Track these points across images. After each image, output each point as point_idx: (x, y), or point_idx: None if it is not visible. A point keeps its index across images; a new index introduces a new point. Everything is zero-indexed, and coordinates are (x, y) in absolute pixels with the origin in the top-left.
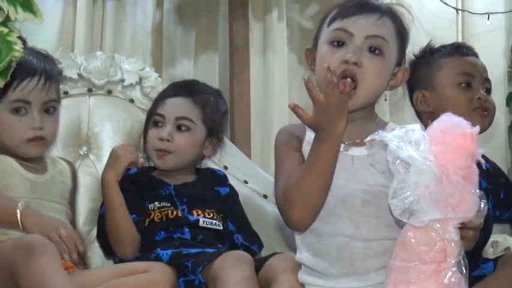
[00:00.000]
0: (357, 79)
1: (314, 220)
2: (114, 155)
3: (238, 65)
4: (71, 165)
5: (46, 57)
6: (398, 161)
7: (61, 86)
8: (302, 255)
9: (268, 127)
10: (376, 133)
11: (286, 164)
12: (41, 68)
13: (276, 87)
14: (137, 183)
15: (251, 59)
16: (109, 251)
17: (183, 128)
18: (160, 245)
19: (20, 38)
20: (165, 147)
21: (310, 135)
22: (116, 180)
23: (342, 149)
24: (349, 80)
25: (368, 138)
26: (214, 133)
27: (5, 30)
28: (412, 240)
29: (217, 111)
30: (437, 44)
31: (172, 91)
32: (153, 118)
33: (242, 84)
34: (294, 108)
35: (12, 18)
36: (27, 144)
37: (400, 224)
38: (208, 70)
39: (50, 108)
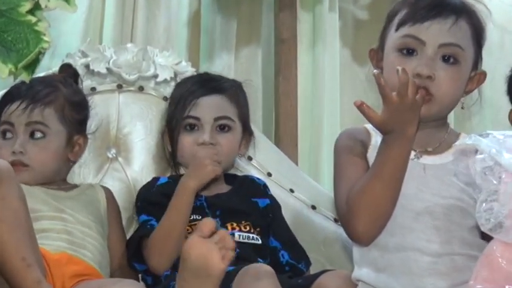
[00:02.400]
0: (431, 93)
1: (380, 232)
2: (200, 164)
3: (284, 60)
4: (107, 189)
5: (51, 84)
6: (489, 171)
7: (89, 82)
8: (362, 272)
9: (318, 129)
10: (469, 137)
11: (349, 170)
12: (27, 91)
13: (326, 85)
14: (168, 196)
15: (299, 53)
16: (135, 260)
17: (225, 129)
18: None
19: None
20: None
21: (376, 140)
22: (196, 191)
23: (412, 156)
24: (422, 91)
25: (457, 143)
26: (247, 129)
27: (33, 19)
28: (500, 260)
29: (247, 105)
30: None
31: (199, 89)
32: (184, 122)
33: (289, 82)
34: (361, 107)
35: (43, 6)
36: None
37: (475, 241)
38: (251, 65)
39: (36, 133)
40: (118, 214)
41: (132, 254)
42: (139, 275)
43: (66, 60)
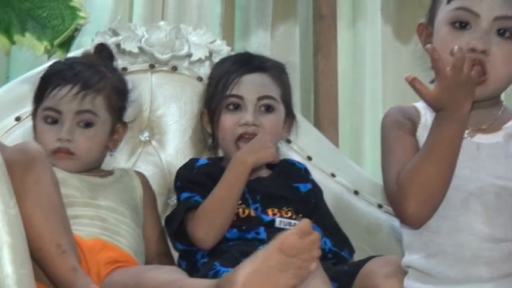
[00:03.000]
0: (486, 69)
1: (432, 214)
2: (264, 143)
3: (323, 38)
4: (142, 175)
5: (98, 69)
6: None
7: (120, 62)
8: (412, 257)
9: (359, 110)
10: None
11: (399, 150)
12: (77, 76)
13: (367, 63)
14: (211, 176)
15: (339, 30)
16: (179, 236)
17: (269, 109)
18: (227, 251)
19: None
20: (253, 132)
21: (426, 118)
22: (252, 167)
23: (465, 135)
24: (478, 67)
25: (508, 124)
26: (290, 112)
27: None
28: None
29: (290, 87)
30: None
31: (242, 67)
32: (226, 101)
33: (328, 61)
34: (413, 82)
35: None
36: (53, 157)
37: None
38: (288, 43)
39: (85, 121)
40: (154, 201)
41: (176, 230)
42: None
43: (96, 40)
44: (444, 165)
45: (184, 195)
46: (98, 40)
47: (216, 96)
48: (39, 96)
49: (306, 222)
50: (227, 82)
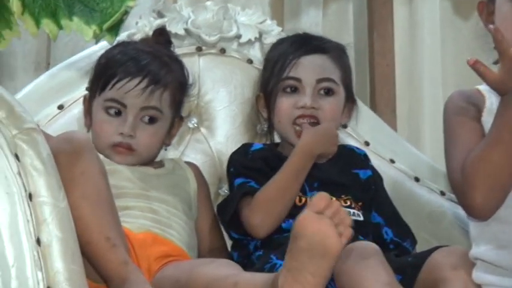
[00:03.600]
0: None
1: (501, 204)
2: (331, 136)
3: (378, 16)
4: (194, 167)
5: (164, 61)
6: None
7: None
8: (480, 249)
9: (417, 92)
10: None
11: (463, 136)
12: (144, 69)
13: (425, 41)
14: (267, 161)
15: (395, 7)
16: (233, 224)
17: (328, 93)
18: (282, 243)
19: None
20: (311, 115)
21: (492, 102)
22: (315, 157)
23: None
24: None
25: None
26: (350, 96)
27: None
28: None
29: (351, 70)
30: None
31: (300, 48)
32: (283, 84)
33: (384, 40)
34: (475, 65)
35: None
36: (111, 150)
37: None
38: (341, 22)
39: (149, 118)
40: (208, 195)
41: (231, 217)
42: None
43: (141, 22)
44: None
45: (239, 180)
46: (143, 23)
47: (272, 78)
48: (102, 85)
49: (321, 196)
50: (284, 64)
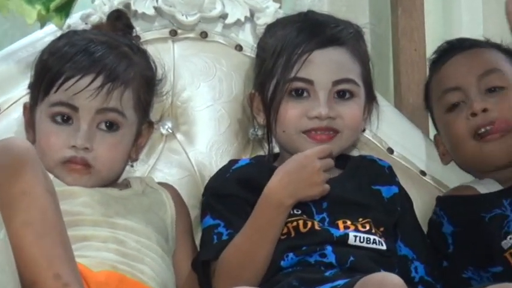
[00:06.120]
0: None
1: None
2: (311, 175)
3: None
4: (171, 189)
5: (123, 52)
6: None
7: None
8: None
9: None
10: None
11: None
12: (101, 64)
13: (463, 20)
14: (247, 184)
15: None
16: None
17: (346, 96)
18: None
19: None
20: (327, 127)
21: None
22: (288, 206)
23: None
24: None
25: None
26: (371, 93)
27: None
28: None
29: (369, 59)
30: None
31: (310, 38)
32: (290, 86)
33: (411, 17)
34: None
35: None
36: (62, 168)
37: None
38: None
39: (108, 123)
40: (189, 223)
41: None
42: None
43: (98, 0)
44: None
45: (207, 221)
46: (100, 1)
47: (274, 76)
48: (46, 86)
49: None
50: (290, 59)
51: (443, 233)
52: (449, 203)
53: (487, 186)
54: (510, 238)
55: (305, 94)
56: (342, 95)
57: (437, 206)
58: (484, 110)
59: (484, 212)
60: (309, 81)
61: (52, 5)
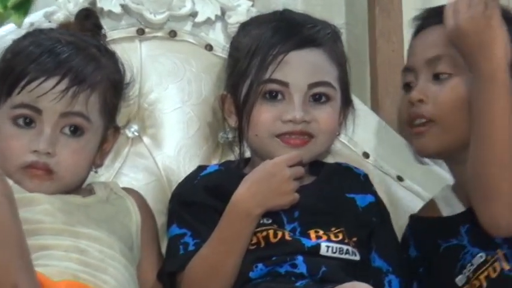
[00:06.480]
0: None
1: None
2: (280, 184)
3: None
4: (137, 195)
5: (91, 54)
6: None
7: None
8: None
9: None
10: None
11: None
12: (68, 66)
13: None
14: (215, 192)
15: None
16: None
17: (322, 99)
18: None
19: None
20: (302, 131)
21: None
22: (256, 217)
23: None
24: None
25: None
26: (347, 96)
27: None
28: None
29: (347, 61)
30: None
31: (286, 39)
32: (264, 88)
33: (390, 17)
34: None
35: None
36: (22, 173)
37: None
38: None
39: (73, 128)
40: (155, 232)
41: None
42: None
43: None
44: None
45: (173, 230)
46: None
47: (247, 77)
48: (8, 88)
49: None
50: (265, 60)
51: (410, 255)
52: (415, 225)
53: (449, 204)
54: (465, 273)
55: (279, 97)
56: (317, 98)
57: (408, 225)
58: (420, 101)
59: (440, 238)
60: (284, 83)
61: (10, 3)
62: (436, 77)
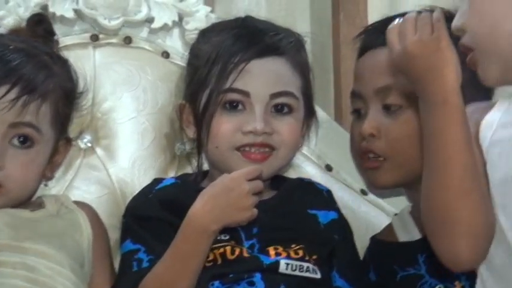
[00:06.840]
0: None
1: None
2: (238, 199)
3: None
4: (88, 208)
5: (42, 62)
6: None
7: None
8: None
9: None
10: None
11: None
12: (18, 74)
13: None
14: (171, 206)
15: None
16: None
17: (284, 110)
18: None
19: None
20: (263, 143)
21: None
22: (213, 233)
23: None
24: None
25: None
26: (310, 107)
27: None
28: None
29: (310, 71)
30: None
31: (248, 47)
32: (224, 98)
33: (354, 23)
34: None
35: None
36: None
37: None
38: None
39: (22, 139)
40: (107, 247)
41: None
42: None
43: (13, 1)
44: None
45: (127, 245)
46: (15, 2)
47: (207, 86)
48: None
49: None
50: (225, 68)
51: (370, 278)
52: (375, 248)
53: (406, 230)
54: None
55: (240, 107)
56: (279, 109)
57: (368, 247)
58: (372, 135)
59: (397, 265)
60: (245, 93)
61: None
62: (387, 108)
